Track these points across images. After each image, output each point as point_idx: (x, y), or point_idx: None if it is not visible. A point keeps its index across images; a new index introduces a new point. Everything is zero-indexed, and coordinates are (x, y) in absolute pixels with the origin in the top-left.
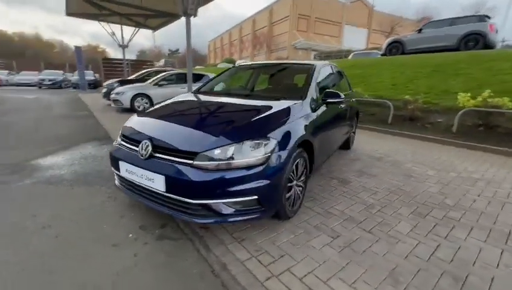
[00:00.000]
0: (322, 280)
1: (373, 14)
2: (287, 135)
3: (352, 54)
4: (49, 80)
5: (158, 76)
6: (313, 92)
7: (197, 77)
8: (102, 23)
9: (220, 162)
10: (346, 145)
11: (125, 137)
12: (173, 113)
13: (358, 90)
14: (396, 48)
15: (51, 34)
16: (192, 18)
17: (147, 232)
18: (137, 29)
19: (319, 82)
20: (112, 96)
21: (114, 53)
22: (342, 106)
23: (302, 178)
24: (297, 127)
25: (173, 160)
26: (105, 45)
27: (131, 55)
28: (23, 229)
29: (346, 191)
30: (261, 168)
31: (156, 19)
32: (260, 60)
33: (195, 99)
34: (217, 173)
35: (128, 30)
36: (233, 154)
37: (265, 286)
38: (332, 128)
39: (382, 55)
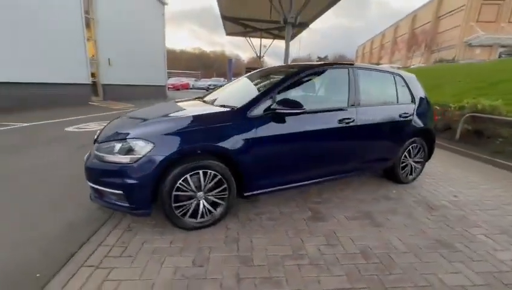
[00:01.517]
0: None
1: None
2: (175, 141)
3: None
4: (213, 85)
5: None
6: (267, 101)
7: None
8: (248, 38)
9: (103, 155)
10: (394, 176)
11: None
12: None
13: (494, 104)
14: None
15: (232, 49)
16: (344, 21)
17: (97, 206)
18: (272, 40)
19: (295, 88)
20: None
21: (272, 62)
22: (349, 119)
23: (220, 193)
24: (201, 135)
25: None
26: (266, 57)
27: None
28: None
29: (297, 229)
30: (128, 167)
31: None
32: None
33: (173, 104)
34: (98, 163)
35: (276, 43)
36: (113, 150)
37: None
38: (314, 147)
39: None
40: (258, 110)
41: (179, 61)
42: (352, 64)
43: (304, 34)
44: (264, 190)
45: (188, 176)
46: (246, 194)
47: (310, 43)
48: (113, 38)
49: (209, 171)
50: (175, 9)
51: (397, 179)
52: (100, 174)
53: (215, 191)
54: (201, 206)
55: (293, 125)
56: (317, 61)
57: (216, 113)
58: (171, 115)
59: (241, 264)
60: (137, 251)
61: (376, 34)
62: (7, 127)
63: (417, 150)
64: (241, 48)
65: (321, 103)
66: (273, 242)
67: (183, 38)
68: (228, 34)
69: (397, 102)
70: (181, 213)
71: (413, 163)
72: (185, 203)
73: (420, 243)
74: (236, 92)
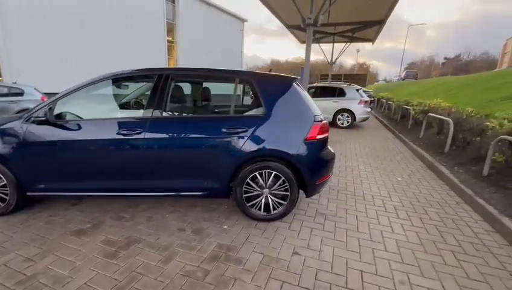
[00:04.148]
0: None
1: None
2: None
3: None
4: None
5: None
6: (43, 108)
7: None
8: (319, 45)
9: None
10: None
11: None
12: None
13: None
14: None
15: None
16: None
17: None
18: (347, 44)
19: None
20: None
21: (386, 68)
22: (135, 130)
23: (1, 188)
24: None
25: None
26: (379, 61)
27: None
28: None
29: (39, 237)
30: None
31: (364, 30)
32: None
33: None
34: None
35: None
36: None
37: None
38: (91, 157)
39: None
40: (32, 117)
41: (284, 71)
42: (159, 69)
43: (430, 31)
44: (48, 193)
45: None
46: (27, 193)
47: (438, 40)
48: (192, 56)
49: None
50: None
51: (242, 211)
52: None
53: None
54: None
55: (61, 133)
56: (443, 63)
57: (4, 117)
58: None
59: None
60: None
61: None
62: None
63: (271, 178)
64: (343, 54)
65: (115, 111)
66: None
67: (290, 48)
68: (302, 42)
69: (230, 113)
70: None
71: (271, 196)
72: None
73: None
74: None
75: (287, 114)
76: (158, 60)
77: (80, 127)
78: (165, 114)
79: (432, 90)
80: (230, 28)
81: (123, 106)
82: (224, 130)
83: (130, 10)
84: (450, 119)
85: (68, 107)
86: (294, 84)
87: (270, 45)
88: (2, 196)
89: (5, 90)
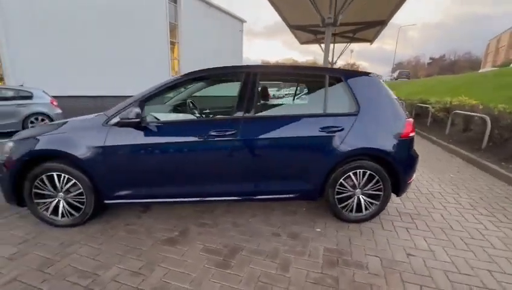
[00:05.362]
0: None
1: None
2: (27, 145)
3: None
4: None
5: None
6: (128, 109)
7: None
8: (321, 45)
9: None
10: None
11: None
12: None
13: None
14: None
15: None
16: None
17: None
18: (347, 45)
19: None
20: None
21: (372, 68)
22: (228, 131)
23: (78, 196)
24: (51, 140)
25: None
26: (365, 61)
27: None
28: None
29: (128, 247)
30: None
31: (365, 31)
32: None
33: None
34: None
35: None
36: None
37: None
38: (180, 160)
39: None
40: (116, 119)
41: None
42: (250, 66)
43: (414, 33)
44: (128, 200)
45: (44, 176)
46: (105, 201)
47: (423, 41)
48: (193, 56)
49: (63, 174)
50: (269, 23)
51: (333, 213)
52: None
53: (72, 194)
54: (60, 206)
55: (148, 136)
56: (427, 63)
57: (79, 120)
58: (60, 122)
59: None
60: None
61: None
62: None
63: (366, 179)
64: (336, 55)
65: (202, 111)
66: (76, 252)
67: (278, 49)
68: (302, 43)
69: (324, 111)
70: (43, 209)
71: (363, 196)
72: (45, 200)
73: None
74: None
75: (381, 111)
76: (161, 61)
77: (168, 129)
78: (257, 114)
79: (433, 88)
80: (230, 29)
81: (177, 108)
82: (320, 129)
83: (133, 11)
84: (487, 116)
85: (148, 109)
86: (381, 80)
87: (257, 46)
88: (77, 204)
89: (12, 94)
